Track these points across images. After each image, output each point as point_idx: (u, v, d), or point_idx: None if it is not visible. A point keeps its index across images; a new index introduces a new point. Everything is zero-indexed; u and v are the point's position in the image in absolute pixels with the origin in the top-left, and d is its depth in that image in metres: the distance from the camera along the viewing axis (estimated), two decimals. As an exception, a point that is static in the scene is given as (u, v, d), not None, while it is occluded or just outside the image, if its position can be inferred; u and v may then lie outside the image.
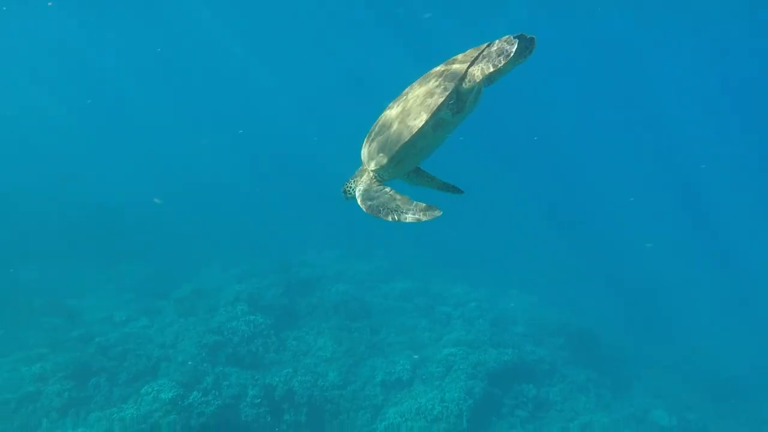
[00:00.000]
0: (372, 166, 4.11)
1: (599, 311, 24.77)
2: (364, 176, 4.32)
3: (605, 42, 39.56)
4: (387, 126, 3.92)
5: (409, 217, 3.87)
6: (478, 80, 3.57)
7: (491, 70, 3.49)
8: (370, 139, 4.12)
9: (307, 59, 53.69)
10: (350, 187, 4.45)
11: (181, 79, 57.69)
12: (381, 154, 3.93)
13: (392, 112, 3.96)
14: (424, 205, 3.83)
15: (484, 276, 25.18)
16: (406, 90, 4.01)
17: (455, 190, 4.35)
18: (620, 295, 27.93)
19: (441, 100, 3.59)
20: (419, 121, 3.67)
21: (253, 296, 17.54)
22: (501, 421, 14.33)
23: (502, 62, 3.42)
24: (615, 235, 38.35)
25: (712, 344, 23.40)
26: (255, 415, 13.55)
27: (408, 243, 28.24)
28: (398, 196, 3.97)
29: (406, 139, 3.75)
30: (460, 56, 3.75)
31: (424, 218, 3.83)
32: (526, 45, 3.55)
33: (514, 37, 3.47)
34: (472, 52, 3.68)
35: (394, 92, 4.26)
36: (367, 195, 4.15)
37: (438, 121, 3.72)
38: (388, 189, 4.07)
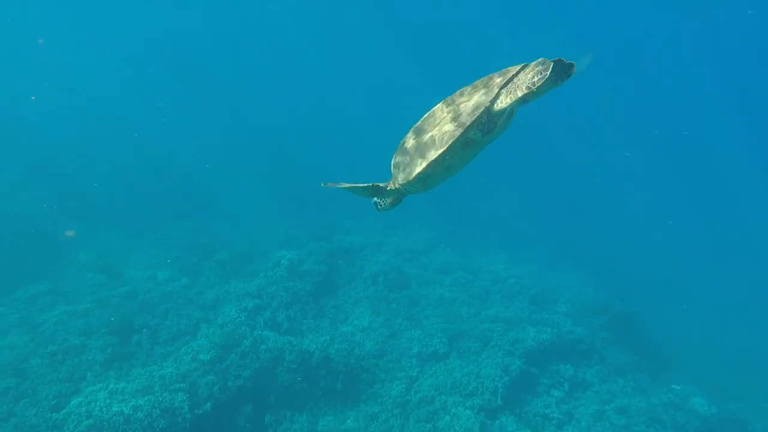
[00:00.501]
0: (400, 180, 4.09)
1: (642, 295, 24.26)
2: (393, 190, 4.34)
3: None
4: (416, 142, 3.87)
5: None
6: (510, 102, 3.47)
7: (524, 92, 3.39)
8: (400, 153, 4.07)
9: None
10: (381, 204, 4.52)
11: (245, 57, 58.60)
12: (408, 171, 3.90)
13: (422, 127, 3.89)
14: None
15: (525, 252, 24.90)
16: (439, 105, 3.91)
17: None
18: (663, 281, 27.37)
19: (471, 119, 3.51)
20: (447, 140, 3.60)
21: (294, 263, 17.58)
22: (536, 399, 14.18)
23: (535, 87, 3.33)
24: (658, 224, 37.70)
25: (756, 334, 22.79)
26: (291, 381, 13.69)
27: (450, 217, 28.05)
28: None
29: (433, 158, 3.69)
30: (496, 75, 3.64)
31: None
32: (564, 69, 3.40)
33: (551, 61, 3.35)
34: (508, 72, 3.58)
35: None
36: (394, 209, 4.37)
37: (467, 141, 3.64)
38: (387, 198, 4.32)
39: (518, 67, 3.55)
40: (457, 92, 3.81)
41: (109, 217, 25.23)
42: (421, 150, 3.78)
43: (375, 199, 4.54)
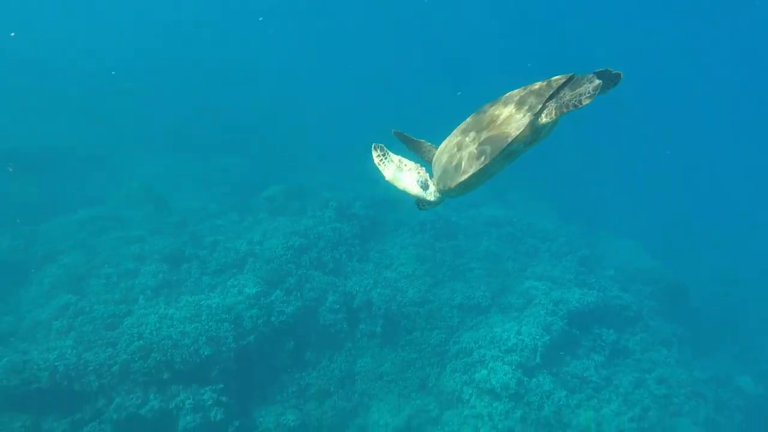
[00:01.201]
0: (440, 187, 4.10)
1: (695, 268, 23.61)
2: (434, 192, 4.35)
3: None
4: (458, 150, 3.83)
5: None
6: (554, 117, 3.42)
7: (569, 109, 3.33)
8: (442, 158, 4.04)
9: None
10: (422, 203, 4.54)
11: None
12: (449, 180, 3.89)
13: (465, 137, 3.83)
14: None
15: (577, 212, 24.43)
16: (483, 110, 3.84)
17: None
18: (720, 256, 26.54)
19: (516, 134, 3.45)
20: (491, 154, 3.56)
21: (342, 204, 17.65)
22: (575, 361, 14.11)
23: (582, 104, 3.28)
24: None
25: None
26: (332, 320, 13.96)
27: (503, 170, 27.59)
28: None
29: (475, 171, 3.66)
30: (542, 85, 3.53)
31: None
32: (611, 79, 3.36)
33: (599, 74, 3.31)
34: (555, 82, 3.48)
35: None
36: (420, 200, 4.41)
37: (510, 153, 3.61)
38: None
39: (564, 78, 3.46)
40: (504, 97, 3.74)
41: (165, 147, 25.78)
42: (462, 162, 3.76)
43: (416, 201, 4.56)
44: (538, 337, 13.70)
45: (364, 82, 47.66)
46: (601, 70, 3.34)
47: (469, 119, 3.94)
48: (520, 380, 12.73)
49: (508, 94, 3.71)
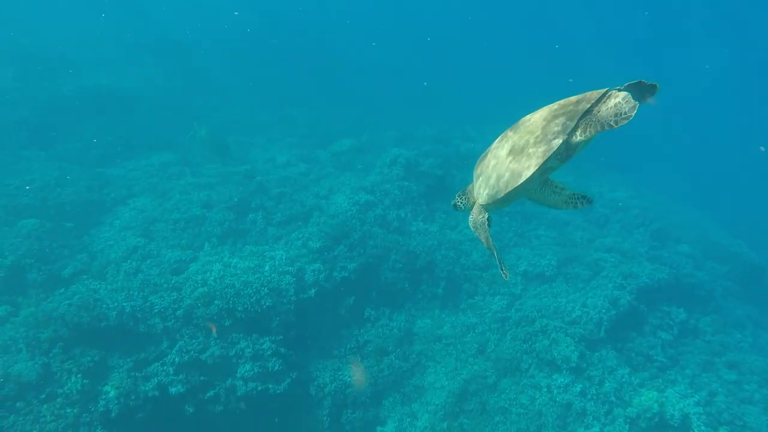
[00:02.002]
0: (479, 200, 4.15)
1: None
2: (474, 201, 4.37)
3: None
4: (497, 164, 3.89)
5: (497, 260, 4.13)
6: (589, 136, 3.40)
7: (604, 129, 3.32)
8: (481, 169, 4.12)
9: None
10: (460, 204, 4.60)
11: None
12: (487, 194, 3.96)
13: (503, 151, 3.88)
14: (503, 265, 4.16)
15: (653, 182, 23.38)
16: (520, 124, 3.87)
17: (584, 201, 4.04)
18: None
19: (550, 153, 3.47)
20: (526, 172, 3.59)
21: (410, 162, 17.37)
22: (640, 338, 13.59)
23: (617, 125, 3.26)
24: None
25: None
26: (394, 279, 13.85)
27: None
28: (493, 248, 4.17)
29: (511, 188, 3.71)
30: (578, 101, 3.51)
31: (501, 268, 4.15)
32: (647, 90, 3.32)
33: (633, 86, 3.29)
34: (589, 97, 3.44)
35: None
36: (475, 225, 4.35)
37: (545, 170, 3.64)
38: (489, 234, 4.23)
39: (599, 94, 3.40)
40: (541, 110, 3.74)
41: (239, 97, 25.97)
42: (500, 177, 3.81)
43: (455, 201, 4.64)
44: (604, 310, 13.26)
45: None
46: (634, 82, 3.30)
47: (508, 133, 3.95)
48: (583, 354, 12.40)
49: (543, 110, 3.71)
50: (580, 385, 11.95)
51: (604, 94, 3.39)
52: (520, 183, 3.62)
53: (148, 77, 26.73)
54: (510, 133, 3.91)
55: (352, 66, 35.56)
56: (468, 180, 14.60)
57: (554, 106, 3.67)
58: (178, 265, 12.59)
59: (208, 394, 10.76)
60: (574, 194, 4.05)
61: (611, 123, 3.27)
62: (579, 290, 14.27)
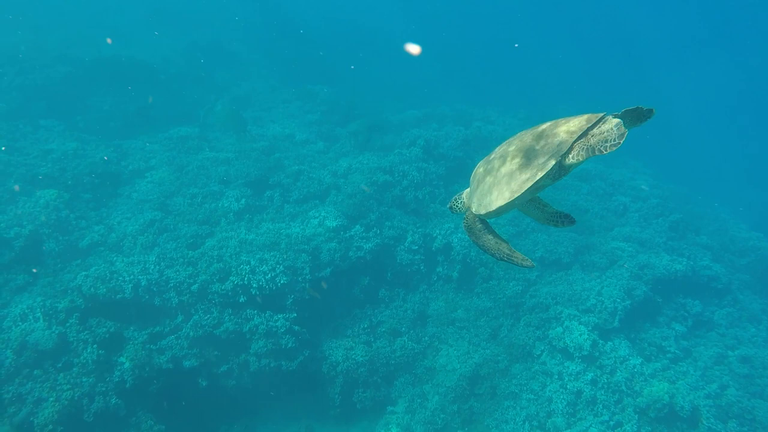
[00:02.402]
0: (473, 210, 4.20)
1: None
2: (468, 208, 4.38)
3: None
4: (491, 177, 3.95)
5: (506, 259, 4.02)
6: (581, 160, 3.47)
7: (594, 154, 3.42)
8: (476, 179, 4.17)
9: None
10: (456, 208, 4.61)
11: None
12: (481, 205, 4.01)
13: (498, 164, 3.93)
14: (520, 255, 3.98)
15: (674, 174, 23.07)
16: (517, 138, 3.94)
17: (566, 220, 4.11)
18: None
19: (543, 173, 3.55)
20: (517, 190, 3.68)
21: (430, 143, 17.24)
22: (654, 329, 13.52)
23: (606, 151, 3.37)
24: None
25: None
26: (410, 261, 13.83)
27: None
28: (502, 245, 4.14)
29: (501, 204, 3.79)
30: (572, 124, 3.60)
31: (518, 263, 3.97)
32: (645, 114, 3.39)
33: (630, 112, 3.35)
34: (586, 120, 3.53)
35: None
36: (469, 230, 4.32)
37: (537, 188, 3.70)
38: (490, 236, 4.20)
39: (596, 118, 3.49)
40: (536, 129, 3.82)
41: (258, 72, 25.85)
42: (494, 191, 3.88)
43: (451, 203, 4.62)
44: (618, 300, 13.18)
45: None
46: (631, 108, 3.37)
47: (505, 146, 4.00)
48: (595, 342, 12.34)
49: (541, 127, 3.78)
50: (592, 374, 11.91)
51: (600, 119, 3.48)
52: (510, 200, 3.72)
53: (169, 50, 26.67)
54: (507, 147, 3.96)
55: (377, 45, 35.27)
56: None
57: (553, 124, 3.75)
58: (194, 240, 12.64)
59: (221, 369, 10.88)
60: (556, 212, 4.16)
61: (601, 149, 3.39)
62: (595, 278, 14.17)
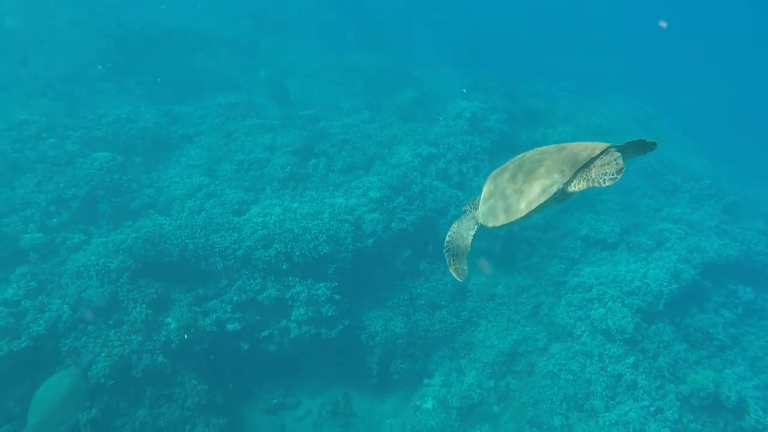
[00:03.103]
0: (478, 216, 4.53)
1: None
2: (473, 217, 4.70)
3: None
4: (501, 193, 4.22)
5: (450, 260, 4.64)
6: (583, 188, 3.73)
7: (595, 185, 3.64)
8: (488, 189, 4.44)
9: None
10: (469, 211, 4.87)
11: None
12: (490, 219, 4.28)
13: (508, 186, 4.16)
14: (463, 269, 4.61)
15: (730, 151, 22.27)
16: (528, 158, 4.16)
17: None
18: None
19: (547, 197, 3.82)
20: (523, 210, 3.96)
21: (476, 116, 17.02)
22: (701, 314, 13.20)
23: (605, 184, 3.57)
24: None
25: None
26: (452, 234, 13.76)
27: (652, 92, 25.54)
28: (461, 251, 4.67)
29: (511, 220, 4.08)
30: (582, 151, 3.80)
31: (452, 272, 4.58)
32: (648, 146, 3.68)
33: (633, 144, 3.65)
34: (591, 150, 3.74)
35: None
36: (455, 231, 4.79)
37: (541, 208, 3.95)
38: (466, 242, 4.68)
39: (600, 149, 3.69)
40: (543, 155, 4.04)
41: (304, 38, 25.78)
42: (502, 208, 4.16)
43: (465, 208, 4.92)
44: (665, 283, 12.87)
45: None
46: (634, 140, 3.65)
47: (518, 167, 4.20)
48: (638, 325, 12.12)
49: (551, 150, 4.02)
50: (633, 357, 11.74)
51: (604, 150, 3.68)
52: (515, 219, 4.03)
53: (217, 16, 26.81)
54: (516, 168, 4.19)
55: (424, 13, 34.79)
56: (535, 138, 14.27)
57: (559, 149, 4.00)
58: (239, 206, 12.84)
59: (262, 334, 11.10)
60: None
61: (600, 182, 3.61)
62: (641, 260, 13.88)
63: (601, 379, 11.53)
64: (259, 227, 11.66)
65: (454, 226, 4.93)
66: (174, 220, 12.16)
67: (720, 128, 26.19)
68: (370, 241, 12.53)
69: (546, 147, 4.15)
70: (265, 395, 11.44)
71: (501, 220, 4.17)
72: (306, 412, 11.48)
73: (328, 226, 11.92)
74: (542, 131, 18.18)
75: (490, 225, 4.29)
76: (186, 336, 10.34)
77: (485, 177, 13.79)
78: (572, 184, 3.79)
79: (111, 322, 10.28)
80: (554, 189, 3.79)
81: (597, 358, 11.85)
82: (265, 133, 15.56)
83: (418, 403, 11.73)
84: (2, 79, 18.37)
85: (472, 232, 4.71)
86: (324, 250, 11.51)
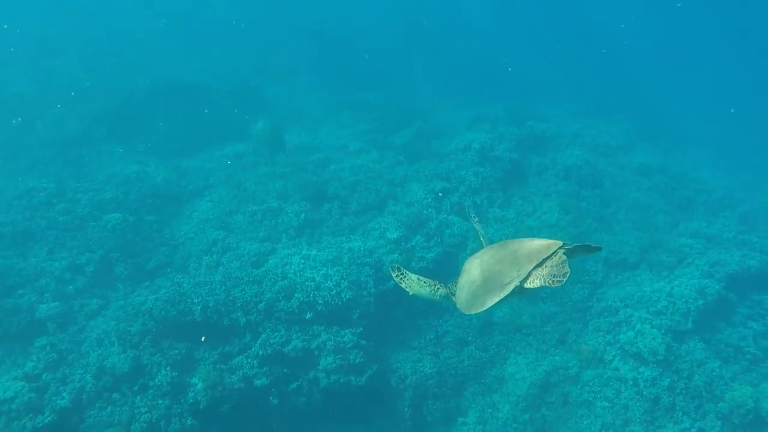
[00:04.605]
0: (457, 305, 5.00)
1: None
2: (455, 302, 5.22)
3: None
4: (468, 285, 4.76)
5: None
6: (536, 286, 4.14)
7: (546, 285, 4.05)
8: (462, 284, 5.00)
9: None
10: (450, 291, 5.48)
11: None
12: (462, 307, 4.74)
13: (476, 278, 4.72)
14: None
15: (741, 161, 22.20)
16: (490, 256, 4.74)
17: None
18: None
19: (505, 294, 4.25)
20: (484, 305, 4.39)
21: (485, 147, 17.01)
22: (730, 329, 12.97)
23: (554, 285, 4.02)
24: None
25: None
26: (471, 269, 13.65)
27: (654, 110, 25.58)
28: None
29: (478, 311, 4.50)
30: (536, 252, 4.27)
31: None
32: (593, 249, 4.33)
33: (579, 248, 4.24)
34: (545, 250, 4.21)
35: None
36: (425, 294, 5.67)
37: (501, 302, 4.41)
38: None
39: (552, 249, 4.17)
40: (500, 251, 4.65)
41: (306, 81, 26.04)
42: (465, 297, 4.67)
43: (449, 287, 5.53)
44: (691, 300, 12.69)
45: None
46: (581, 245, 4.20)
47: (482, 263, 4.79)
48: (669, 346, 11.91)
49: (509, 249, 4.57)
50: (668, 379, 11.50)
51: (554, 252, 4.15)
52: (476, 312, 4.47)
53: (218, 69, 27.11)
54: (480, 263, 4.75)
55: (422, 47, 35.14)
56: (545, 164, 14.22)
57: (518, 245, 4.50)
58: (257, 258, 12.77)
59: (291, 386, 10.89)
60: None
61: (550, 282, 4.04)
62: (664, 278, 13.73)
63: (638, 404, 11.28)
64: (279, 278, 11.58)
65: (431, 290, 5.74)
66: (192, 277, 12.08)
67: (727, 136, 26.15)
68: (392, 282, 12.38)
69: (507, 242, 4.74)
70: (298, 448, 11.22)
71: (466, 309, 4.60)
72: (341, 462, 11.26)
73: (349, 271, 11.84)
74: (551, 156, 18.14)
75: (462, 310, 4.73)
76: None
77: (500, 207, 13.75)
78: (528, 281, 4.19)
79: (136, 387, 10.14)
80: (512, 285, 4.20)
81: (631, 383, 11.61)
82: (276, 181, 15.56)
83: (454, 443, 11.50)
84: (7, 145, 18.53)
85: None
86: (347, 296, 11.40)
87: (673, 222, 16.51)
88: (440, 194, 15.11)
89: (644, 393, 11.38)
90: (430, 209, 14.38)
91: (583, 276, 14.00)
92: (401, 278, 5.70)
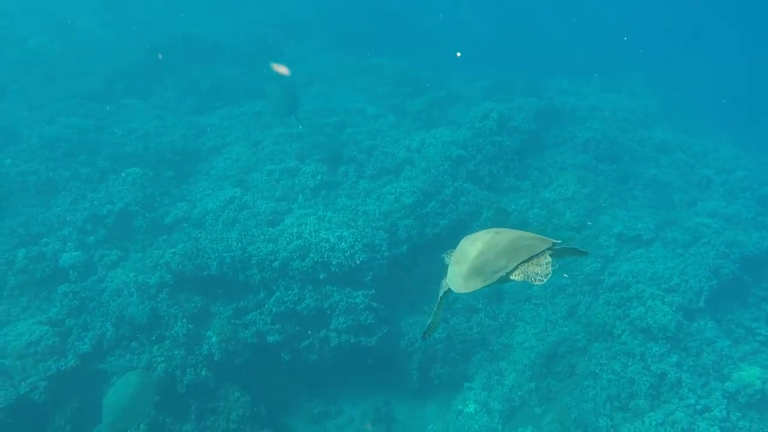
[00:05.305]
0: (446, 279, 4.84)
1: None
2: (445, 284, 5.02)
3: None
4: (459, 267, 4.59)
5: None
6: (521, 280, 4.17)
7: (529, 281, 4.09)
8: (454, 259, 4.81)
9: None
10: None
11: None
12: (449, 283, 4.62)
13: (468, 261, 4.53)
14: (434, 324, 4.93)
15: (761, 140, 21.88)
16: (483, 242, 4.53)
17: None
18: None
19: (491, 282, 4.25)
20: (468, 287, 4.36)
21: (503, 116, 16.87)
22: (743, 310, 12.98)
23: (536, 283, 4.06)
24: None
25: None
26: (485, 237, 13.69)
27: (677, 87, 25.19)
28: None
29: (463, 291, 4.44)
30: (527, 247, 4.26)
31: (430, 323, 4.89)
32: (580, 253, 4.42)
33: (566, 250, 4.38)
34: (536, 247, 4.20)
35: None
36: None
37: (486, 287, 4.36)
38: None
39: (542, 248, 4.18)
40: (493, 237, 4.52)
41: (324, 43, 25.80)
42: (452, 276, 4.59)
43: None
44: (704, 279, 12.69)
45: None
46: (570, 247, 4.36)
47: (476, 246, 4.59)
48: (680, 323, 11.95)
49: (501, 237, 4.50)
50: (677, 356, 11.58)
51: (544, 251, 4.17)
52: (462, 292, 4.44)
53: (235, 25, 26.97)
54: (473, 246, 4.60)
55: (440, 12, 34.71)
56: (564, 136, 14.11)
57: (515, 239, 4.44)
58: (273, 217, 12.88)
59: (303, 344, 11.12)
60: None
61: (533, 279, 4.06)
62: (678, 256, 13.69)
63: (644, 378, 11.38)
64: (295, 237, 11.68)
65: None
66: (209, 233, 12.21)
67: (749, 116, 25.75)
68: (405, 247, 12.51)
69: (504, 231, 4.69)
70: (307, 404, 11.46)
71: (460, 290, 4.55)
72: (348, 419, 11.49)
73: (363, 234, 11.92)
74: (570, 128, 17.99)
75: (450, 287, 4.65)
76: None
77: (516, 177, 13.70)
78: (513, 273, 4.22)
79: (153, 337, 10.38)
80: (498, 275, 4.23)
81: (639, 358, 11.70)
82: (293, 142, 15.58)
83: (459, 407, 11.68)
84: (31, 98, 18.65)
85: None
86: (360, 259, 11.50)
87: (690, 200, 16.42)
88: (456, 162, 15.05)
89: (651, 368, 11.46)
90: (446, 176, 14.36)
91: (596, 250, 14.00)
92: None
